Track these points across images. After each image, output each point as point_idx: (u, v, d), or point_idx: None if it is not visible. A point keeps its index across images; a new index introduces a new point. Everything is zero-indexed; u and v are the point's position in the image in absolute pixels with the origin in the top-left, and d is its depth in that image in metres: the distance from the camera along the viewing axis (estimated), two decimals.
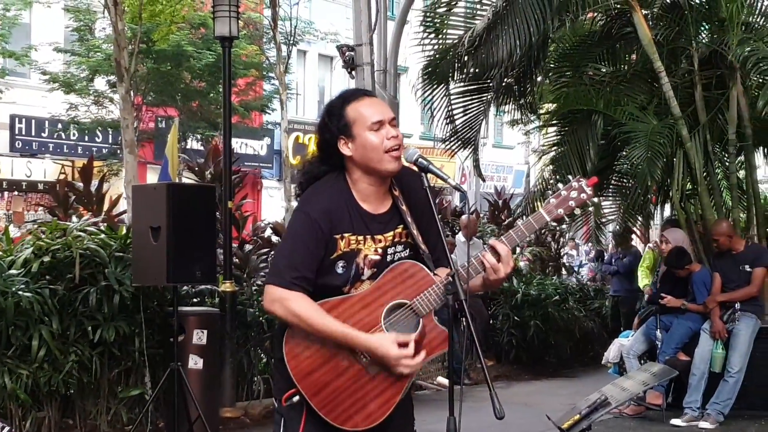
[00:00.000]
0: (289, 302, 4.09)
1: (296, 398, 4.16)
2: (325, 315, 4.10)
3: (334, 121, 4.23)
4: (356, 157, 4.22)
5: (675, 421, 11.21)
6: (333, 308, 4.15)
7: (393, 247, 4.32)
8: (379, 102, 4.37)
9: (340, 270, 4.20)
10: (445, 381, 13.14)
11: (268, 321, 11.36)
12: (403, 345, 4.10)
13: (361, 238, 4.24)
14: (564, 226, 17.57)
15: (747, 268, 11.36)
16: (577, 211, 4.42)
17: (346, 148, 4.22)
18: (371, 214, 4.29)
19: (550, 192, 13.64)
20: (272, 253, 12.67)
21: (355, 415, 4.16)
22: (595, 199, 14.73)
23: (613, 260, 17.23)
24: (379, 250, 4.28)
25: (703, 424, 11.01)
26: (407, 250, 4.36)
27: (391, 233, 4.32)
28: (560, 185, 4.13)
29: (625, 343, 12.73)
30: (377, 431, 4.20)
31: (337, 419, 4.14)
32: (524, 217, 14.44)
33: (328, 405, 4.13)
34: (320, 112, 4.43)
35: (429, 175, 4.29)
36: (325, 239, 4.16)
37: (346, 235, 4.21)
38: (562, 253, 20.81)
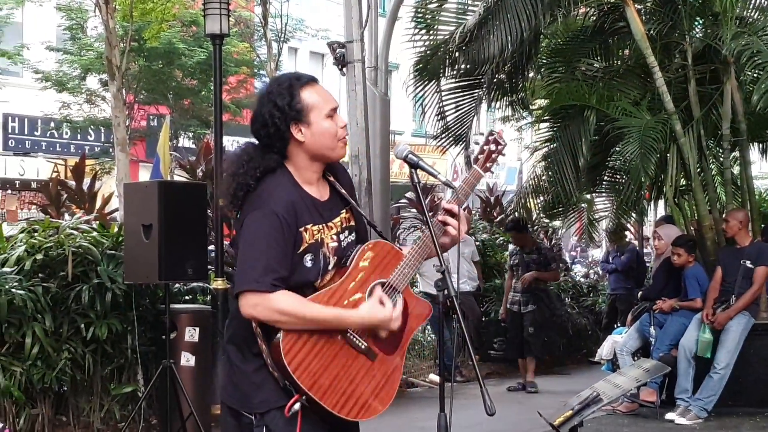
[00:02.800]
0: (272, 302, 3.97)
1: (297, 405, 4.01)
2: (312, 304, 4.04)
3: (285, 103, 4.11)
4: (309, 143, 4.16)
5: (670, 416, 11.16)
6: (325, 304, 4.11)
7: (344, 233, 4.31)
8: (326, 89, 4.28)
9: (308, 264, 4.13)
10: (436, 378, 13.15)
11: None
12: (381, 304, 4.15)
13: (321, 227, 4.20)
14: (557, 223, 17.53)
15: (748, 263, 11.28)
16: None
17: (299, 134, 4.14)
18: (320, 202, 4.25)
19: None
20: None
21: (372, 402, 4.14)
22: (588, 196, 14.77)
23: (611, 258, 17.16)
24: (335, 237, 4.25)
25: (682, 420, 10.98)
26: (353, 234, 4.36)
27: (338, 219, 4.30)
28: (477, 143, 4.51)
29: (619, 340, 12.72)
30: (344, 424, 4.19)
31: (350, 413, 4.08)
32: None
33: (340, 401, 4.06)
34: (261, 93, 4.26)
35: (420, 172, 4.30)
36: (293, 235, 4.09)
37: (308, 226, 4.14)
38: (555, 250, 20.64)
